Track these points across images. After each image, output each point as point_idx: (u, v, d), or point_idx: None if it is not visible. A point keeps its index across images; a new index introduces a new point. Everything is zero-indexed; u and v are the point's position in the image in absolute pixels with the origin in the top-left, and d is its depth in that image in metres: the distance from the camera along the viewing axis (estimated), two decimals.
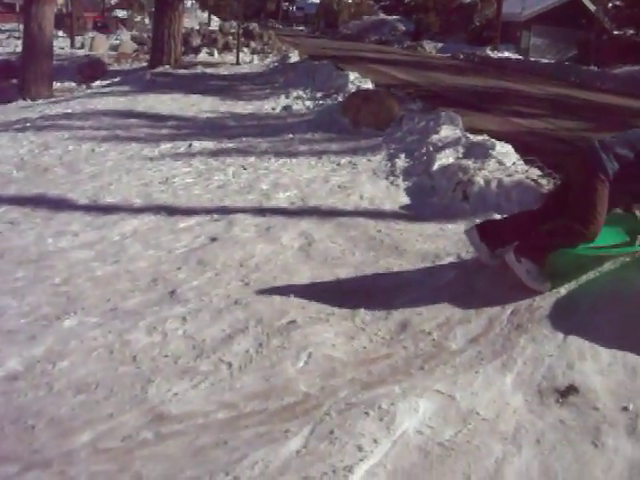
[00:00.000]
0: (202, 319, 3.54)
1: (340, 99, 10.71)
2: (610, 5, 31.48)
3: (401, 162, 6.92)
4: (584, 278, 3.91)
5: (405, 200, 5.80)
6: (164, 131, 8.76)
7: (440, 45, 35.60)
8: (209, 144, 7.76)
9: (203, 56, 20.90)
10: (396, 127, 8.38)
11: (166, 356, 3.25)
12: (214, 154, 7.28)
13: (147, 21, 33.48)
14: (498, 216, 5.18)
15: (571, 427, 2.81)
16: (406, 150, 7.32)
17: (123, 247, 4.64)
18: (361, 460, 2.53)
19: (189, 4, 37.29)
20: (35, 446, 2.68)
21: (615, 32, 30.46)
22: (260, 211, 5.28)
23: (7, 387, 3.05)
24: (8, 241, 4.85)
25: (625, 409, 2.92)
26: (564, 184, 4.08)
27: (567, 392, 3.03)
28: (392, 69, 19.15)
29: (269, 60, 20.11)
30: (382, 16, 51.53)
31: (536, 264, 3.75)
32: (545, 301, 3.74)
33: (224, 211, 5.26)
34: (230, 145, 7.80)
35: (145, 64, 19.14)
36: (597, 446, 2.70)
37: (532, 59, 29.65)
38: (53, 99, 13.40)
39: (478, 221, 4.35)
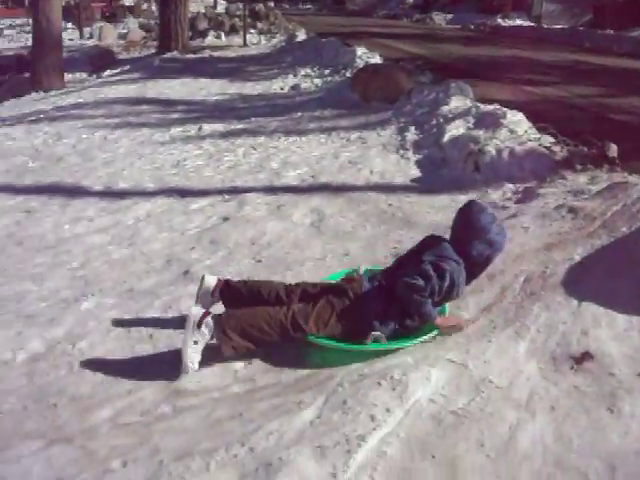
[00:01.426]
0: None
1: (348, 75, 10.68)
2: None
3: (411, 135, 6.91)
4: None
5: (416, 173, 5.81)
6: (174, 115, 8.80)
7: (450, 16, 35.11)
8: (219, 126, 7.80)
9: (210, 39, 20.84)
10: (405, 100, 8.34)
11: (182, 334, 3.30)
12: (224, 136, 7.31)
13: (154, 8, 33.40)
14: (511, 186, 5.18)
15: (586, 393, 2.81)
16: (416, 123, 7.31)
17: (137, 230, 4.72)
18: (374, 429, 2.56)
19: None
20: (57, 423, 2.77)
21: None
22: (271, 190, 5.32)
23: (30, 367, 3.14)
24: (26, 229, 4.94)
25: None
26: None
27: (582, 359, 3.01)
28: (401, 43, 19.00)
29: (276, 40, 20.02)
30: None
31: (222, 342, 3.03)
32: (558, 268, 3.71)
33: (235, 191, 5.30)
34: (240, 126, 7.82)
35: (153, 51, 19.15)
36: (613, 412, 2.70)
37: (545, 26, 29.17)
38: (65, 90, 13.46)
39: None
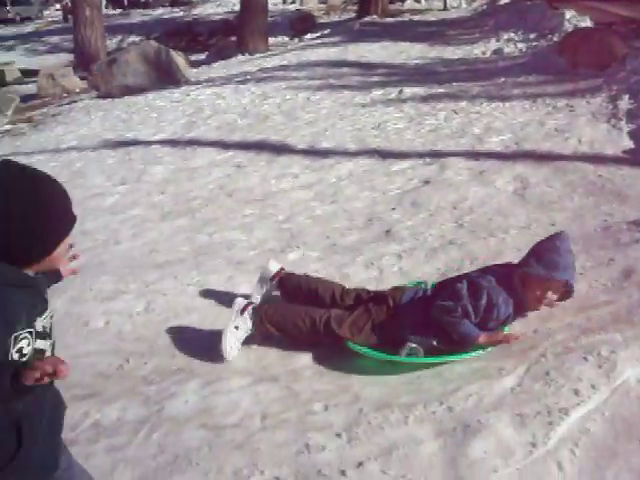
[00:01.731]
0: (417, 257, 3.63)
1: (555, 39, 10.14)
2: None
3: (624, 104, 6.44)
4: None
5: (629, 144, 5.42)
6: (375, 78, 8.87)
7: None
8: (419, 90, 7.75)
9: (410, 3, 20.66)
10: (618, 67, 7.76)
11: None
12: (424, 99, 7.26)
13: None
14: None
15: None
16: (630, 91, 6.79)
17: (340, 188, 4.87)
18: (577, 404, 2.48)
19: None
20: (264, 363, 2.97)
21: None
22: (473, 155, 5.22)
23: None
24: (236, 182, 5.27)
25: None
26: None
27: None
28: (610, 5, 17.67)
29: (477, 3, 19.38)
30: None
31: (257, 328, 3.11)
32: None
33: (436, 155, 5.27)
34: (440, 90, 7.72)
35: (353, 15, 19.36)
36: None
37: None
38: (269, 53, 14.04)
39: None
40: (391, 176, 4.92)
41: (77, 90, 14.42)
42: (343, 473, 2.26)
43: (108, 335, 3.37)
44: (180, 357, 3.11)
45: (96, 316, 3.53)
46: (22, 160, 5.77)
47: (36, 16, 39.97)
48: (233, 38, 17.25)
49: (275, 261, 3.49)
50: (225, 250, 4.08)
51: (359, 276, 3.54)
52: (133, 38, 23.91)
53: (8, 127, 10.42)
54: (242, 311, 3.12)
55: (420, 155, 5.30)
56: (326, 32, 16.57)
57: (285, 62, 11.33)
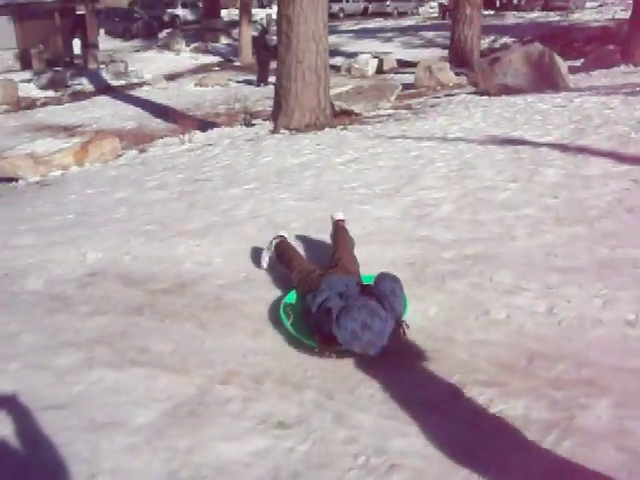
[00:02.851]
0: None
1: None
2: None
3: None
4: None
5: None
6: None
7: None
8: None
9: None
10: None
11: None
12: None
13: None
14: None
15: None
16: None
17: None
18: None
19: None
20: None
21: None
22: None
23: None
24: (635, 198, 4.95)
25: None
26: None
27: None
28: None
29: None
30: None
31: (269, 253, 4.36)
32: None
33: None
34: None
35: None
36: None
37: None
38: None
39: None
40: None
41: (450, 84, 14.93)
42: None
43: (509, 328, 3.40)
44: (589, 368, 3.01)
45: (497, 307, 3.58)
46: (412, 144, 6.30)
47: (412, 12, 42.60)
48: (611, 46, 16.45)
49: (341, 213, 4.50)
50: (630, 267, 3.87)
51: None
52: (506, 39, 24.00)
53: (391, 111, 11.16)
54: (274, 239, 4.36)
55: None
56: None
57: None
